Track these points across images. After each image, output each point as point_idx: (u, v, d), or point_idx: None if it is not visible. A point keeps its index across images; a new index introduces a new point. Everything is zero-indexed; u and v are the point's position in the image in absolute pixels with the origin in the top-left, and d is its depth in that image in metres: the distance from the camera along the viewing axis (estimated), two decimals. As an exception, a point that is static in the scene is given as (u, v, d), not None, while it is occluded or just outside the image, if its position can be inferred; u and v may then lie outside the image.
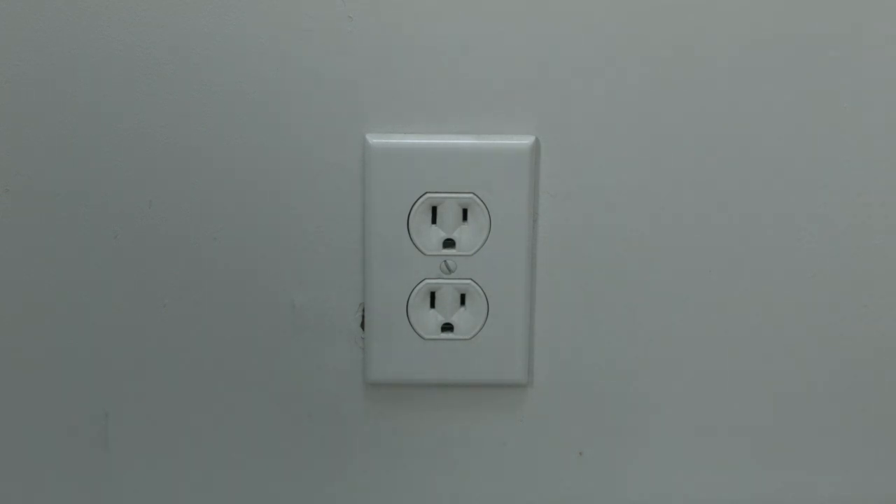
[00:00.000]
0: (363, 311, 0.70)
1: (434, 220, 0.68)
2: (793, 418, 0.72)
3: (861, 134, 0.67)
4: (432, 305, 0.70)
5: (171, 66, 0.66)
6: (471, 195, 0.68)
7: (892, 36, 0.66)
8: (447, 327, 0.70)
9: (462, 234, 0.68)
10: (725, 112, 0.67)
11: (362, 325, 0.70)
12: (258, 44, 0.66)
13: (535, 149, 0.67)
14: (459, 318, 0.70)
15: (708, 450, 0.73)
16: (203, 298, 0.70)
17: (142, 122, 0.67)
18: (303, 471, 0.73)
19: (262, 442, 0.73)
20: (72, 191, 0.68)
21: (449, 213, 0.68)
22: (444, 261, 0.69)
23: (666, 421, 0.72)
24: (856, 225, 0.69)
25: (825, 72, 0.66)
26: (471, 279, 0.69)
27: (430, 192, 0.68)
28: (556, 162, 0.68)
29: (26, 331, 0.70)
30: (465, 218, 0.68)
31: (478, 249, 0.68)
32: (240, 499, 0.74)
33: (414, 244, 0.68)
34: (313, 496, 0.74)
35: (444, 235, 0.68)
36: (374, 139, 0.67)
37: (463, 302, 0.70)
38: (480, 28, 0.66)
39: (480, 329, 0.70)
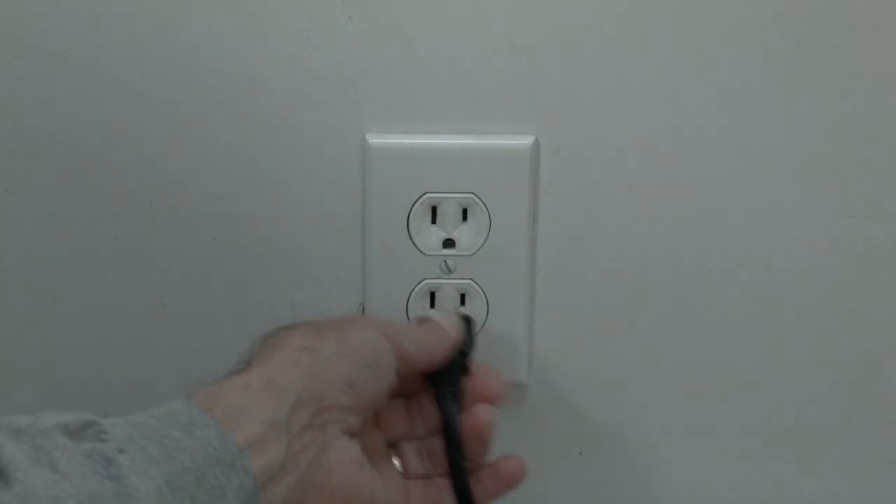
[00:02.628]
0: (363, 311, 0.70)
1: (434, 220, 0.68)
2: (792, 418, 0.72)
3: (861, 134, 0.67)
4: (432, 305, 0.70)
5: (170, 66, 0.66)
6: (471, 195, 0.68)
7: (893, 36, 0.66)
8: (447, 327, 0.70)
9: (462, 234, 0.68)
10: (725, 112, 0.67)
11: (362, 325, 0.70)
12: (258, 44, 0.66)
13: (535, 149, 0.67)
14: (459, 318, 0.70)
15: (708, 450, 0.73)
16: (203, 298, 0.70)
17: (142, 122, 0.67)
18: (303, 471, 0.73)
19: (262, 442, 0.72)
20: (72, 191, 0.68)
21: (449, 213, 0.68)
22: (444, 261, 0.69)
23: (665, 421, 0.72)
24: (856, 225, 0.69)
25: (826, 73, 0.66)
26: (471, 279, 0.69)
27: (430, 192, 0.68)
28: (556, 162, 0.68)
29: (26, 331, 0.70)
30: (465, 218, 0.68)
31: (478, 249, 0.68)
32: (240, 499, 0.74)
33: (414, 244, 0.68)
34: (313, 496, 0.74)
35: (444, 235, 0.68)
36: (374, 139, 0.67)
37: (463, 302, 0.70)
38: (480, 28, 0.66)
39: (480, 329, 0.70)
